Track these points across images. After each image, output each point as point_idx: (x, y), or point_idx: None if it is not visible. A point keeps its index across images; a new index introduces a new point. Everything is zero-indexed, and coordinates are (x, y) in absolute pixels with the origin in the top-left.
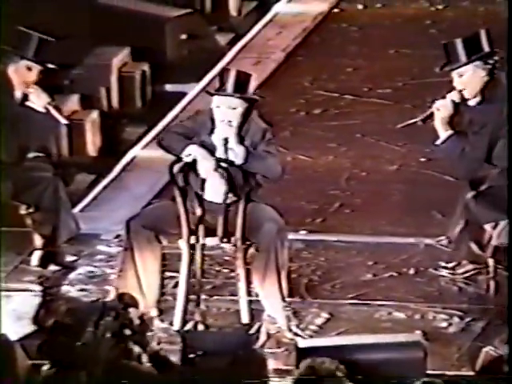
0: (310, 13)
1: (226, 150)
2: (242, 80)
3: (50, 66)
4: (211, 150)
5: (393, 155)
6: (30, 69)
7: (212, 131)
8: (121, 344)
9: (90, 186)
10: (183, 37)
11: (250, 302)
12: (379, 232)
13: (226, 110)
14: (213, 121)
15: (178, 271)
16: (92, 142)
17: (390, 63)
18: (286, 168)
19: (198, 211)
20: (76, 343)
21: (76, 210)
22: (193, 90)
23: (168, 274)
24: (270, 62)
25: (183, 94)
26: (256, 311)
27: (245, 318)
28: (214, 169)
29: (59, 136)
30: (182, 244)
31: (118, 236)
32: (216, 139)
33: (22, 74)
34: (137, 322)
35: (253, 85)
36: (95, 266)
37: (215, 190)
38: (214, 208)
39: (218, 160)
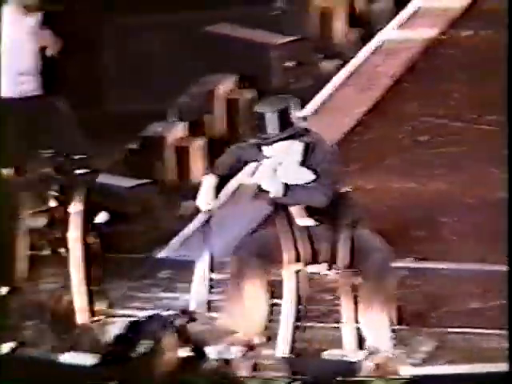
0: (417, 39)
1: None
2: (282, 115)
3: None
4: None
5: (502, 182)
6: None
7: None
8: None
9: (196, 212)
10: (289, 64)
11: (356, 329)
12: (487, 260)
13: (267, 148)
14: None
15: (282, 298)
16: (198, 169)
17: (497, 89)
18: (331, 195)
19: (303, 239)
20: (134, 355)
21: (182, 236)
22: None
23: (273, 300)
24: (377, 88)
25: None
26: (361, 339)
27: (349, 346)
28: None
29: (166, 163)
30: (287, 271)
31: (222, 263)
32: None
33: None
34: (195, 338)
35: (296, 111)
36: None
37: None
38: (319, 234)
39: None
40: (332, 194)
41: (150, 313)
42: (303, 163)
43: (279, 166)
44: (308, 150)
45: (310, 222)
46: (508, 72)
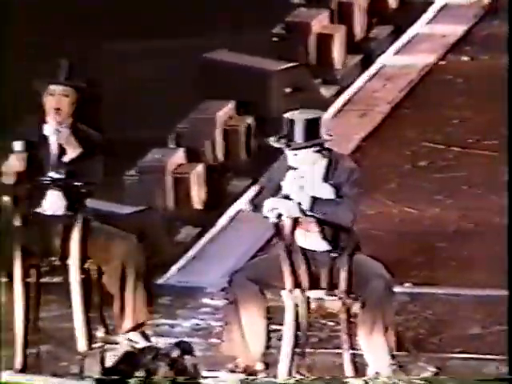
0: (415, 65)
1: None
2: (311, 127)
3: (81, 84)
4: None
5: (500, 207)
6: (66, 95)
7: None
8: None
9: (195, 238)
10: (288, 90)
11: (354, 355)
12: (486, 285)
13: (293, 158)
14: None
15: (282, 324)
16: (197, 195)
17: (497, 114)
18: (356, 214)
19: (302, 263)
20: None
21: (181, 262)
22: None
23: (273, 326)
24: (376, 114)
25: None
26: (361, 365)
27: (348, 372)
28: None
29: (165, 189)
30: (287, 297)
31: (223, 289)
32: (286, 184)
33: (59, 101)
34: (191, 370)
35: (323, 128)
36: (200, 319)
37: (308, 239)
38: (319, 259)
39: (302, 210)
40: (356, 213)
41: (144, 344)
42: (325, 179)
43: (302, 178)
44: (330, 167)
45: (322, 244)
46: (508, 97)
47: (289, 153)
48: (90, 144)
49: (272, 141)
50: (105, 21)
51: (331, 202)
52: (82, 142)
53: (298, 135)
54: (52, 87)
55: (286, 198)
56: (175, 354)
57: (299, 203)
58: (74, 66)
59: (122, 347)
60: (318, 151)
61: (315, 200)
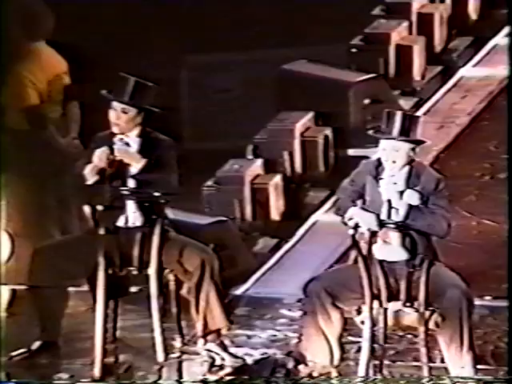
0: (495, 76)
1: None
2: (409, 122)
3: (153, 109)
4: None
5: None
6: (125, 112)
7: (376, 177)
8: None
9: (273, 249)
10: (366, 101)
11: (431, 368)
12: None
13: (391, 152)
14: (377, 168)
15: (360, 336)
16: (275, 206)
17: None
18: (452, 225)
19: (380, 275)
20: None
21: (259, 273)
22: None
23: (350, 338)
24: (455, 126)
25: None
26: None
27: None
28: (379, 230)
29: (243, 200)
30: (365, 309)
31: (300, 300)
32: (383, 184)
33: (118, 117)
34: (306, 379)
35: (420, 128)
36: (278, 330)
37: (386, 250)
38: (397, 271)
39: (381, 222)
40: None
41: (262, 355)
42: (407, 185)
43: (396, 185)
44: (412, 174)
45: (400, 253)
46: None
47: (388, 152)
48: (161, 150)
49: (371, 132)
50: (184, 33)
51: (426, 211)
52: (152, 149)
53: (396, 129)
54: (114, 102)
55: (389, 203)
56: (291, 364)
57: (391, 208)
58: (141, 83)
59: (202, 357)
60: (413, 150)
61: (412, 207)
